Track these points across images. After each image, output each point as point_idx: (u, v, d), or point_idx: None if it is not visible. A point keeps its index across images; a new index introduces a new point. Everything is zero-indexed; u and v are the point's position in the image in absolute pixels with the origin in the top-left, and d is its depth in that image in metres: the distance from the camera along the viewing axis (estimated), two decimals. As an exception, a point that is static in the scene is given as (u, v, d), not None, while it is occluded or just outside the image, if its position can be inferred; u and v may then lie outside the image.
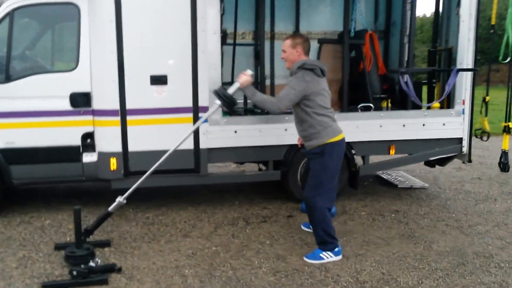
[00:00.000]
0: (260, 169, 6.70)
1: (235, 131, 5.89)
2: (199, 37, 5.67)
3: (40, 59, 6.24)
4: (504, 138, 6.41)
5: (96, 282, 4.31)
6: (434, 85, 6.77)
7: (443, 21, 6.66)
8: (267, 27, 7.02)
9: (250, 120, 5.99)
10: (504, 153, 6.48)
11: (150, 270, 4.55)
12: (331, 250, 4.77)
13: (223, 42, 6.68)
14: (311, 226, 4.97)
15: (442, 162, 6.81)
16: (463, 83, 6.29)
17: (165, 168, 5.77)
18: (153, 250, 5.01)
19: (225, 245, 5.13)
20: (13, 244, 5.15)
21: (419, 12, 63.97)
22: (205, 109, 5.76)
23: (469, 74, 6.27)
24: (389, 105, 6.66)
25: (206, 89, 5.76)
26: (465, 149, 6.48)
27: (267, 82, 6.62)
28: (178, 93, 5.75)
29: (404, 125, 6.26)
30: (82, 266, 4.42)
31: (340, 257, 4.80)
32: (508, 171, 6.62)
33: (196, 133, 5.81)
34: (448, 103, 6.53)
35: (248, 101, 6.67)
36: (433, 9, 6.77)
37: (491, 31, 6.60)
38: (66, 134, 5.79)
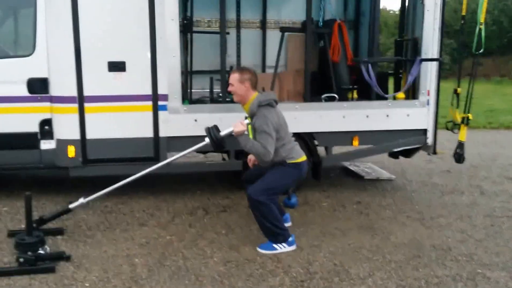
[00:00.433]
0: (223, 159, 6.65)
1: (195, 120, 5.82)
2: (157, 23, 5.60)
3: (-3, 44, 6.14)
4: (461, 129, 6.37)
5: (43, 269, 4.25)
6: (400, 75, 6.72)
7: (409, 10, 6.60)
8: (233, 15, 6.98)
9: (211, 109, 5.93)
10: (460, 144, 6.43)
11: (100, 259, 4.50)
12: (284, 241, 4.73)
13: (189, 29, 6.64)
14: (257, 221, 4.84)
15: (408, 153, 6.76)
16: (428, 73, 6.23)
17: (125, 157, 5.78)
18: (106, 238, 4.96)
19: (180, 234, 5.10)
20: (-34, 231, 5.09)
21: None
22: (164, 97, 5.71)
23: (434, 64, 6.21)
24: (355, 96, 6.60)
25: (165, 77, 5.69)
26: (429, 141, 6.43)
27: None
28: (136, 80, 5.67)
29: (367, 116, 6.22)
30: (29, 253, 4.37)
31: (294, 247, 4.77)
32: (462, 162, 6.58)
33: (156, 121, 5.75)
34: (413, 93, 6.48)
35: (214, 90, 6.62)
36: (400, -1, 6.61)
37: (462, 22, 6.58)
38: (24, 121, 5.71)
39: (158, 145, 5.83)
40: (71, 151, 5.71)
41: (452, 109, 6.43)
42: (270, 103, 4.68)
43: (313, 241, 4.97)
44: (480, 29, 5.93)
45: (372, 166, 7.95)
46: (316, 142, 6.28)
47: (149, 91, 5.71)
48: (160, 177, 6.97)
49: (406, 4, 6.72)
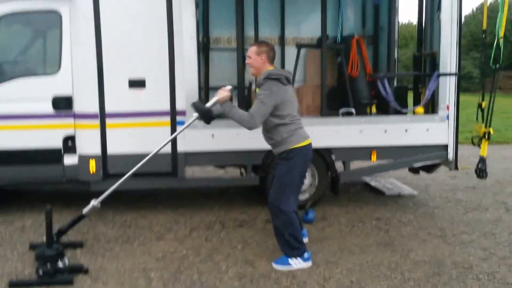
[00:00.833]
0: (241, 174, 6.69)
1: (213, 135, 5.90)
2: (175, 42, 5.75)
3: (25, 63, 6.36)
4: (482, 144, 6.25)
5: (61, 282, 4.35)
6: (420, 90, 6.68)
7: (427, 26, 6.58)
8: (251, 33, 7.09)
9: (228, 124, 5.95)
10: (482, 159, 6.32)
11: (117, 272, 4.57)
12: (299, 256, 4.70)
13: (207, 47, 6.76)
14: (276, 233, 4.84)
15: (429, 169, 6.69)
16: (447, 88, 6.18)
17: (143, 171, 5.84)
18: (124, 252, 5.03)
19: (196, 248, 5.13)
20: (-10, 243, 5.25)
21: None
22: (183, 113, 5.81)
23: (453, 79, 6.15)
24: (374, 110, 6.58)
25: (183, 93, 5.81)
26: (450, 156, 6.34)
27: (253, 86, 6.64)
28: (155, 96, 5.81)
29: (385, 131, 6.18)
30: (49, 265, 4.48)
31: (309, 263, 4.73)
32: (485, 178, 6.44)
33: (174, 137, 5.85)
34: (432, 108, 6.43)
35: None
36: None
37: (483, 36, 6.51)
38: (48, 137, 5.89)
39: (176, 160, 5.92)
40: (93, 165, 5.85)
41: (477, 123, 6.34)
42: (279, 78, 4.62)
43: (330, 257, 4.92)
44: (498, 42, 5.86)
45: (394, 182, 7.86)
46: (333, 157, 6.27)
47: (167, 107, 5.82)
48: (179, 192, 7.09)
49: (424, 19, 6.70)
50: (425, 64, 6.61)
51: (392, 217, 6.21)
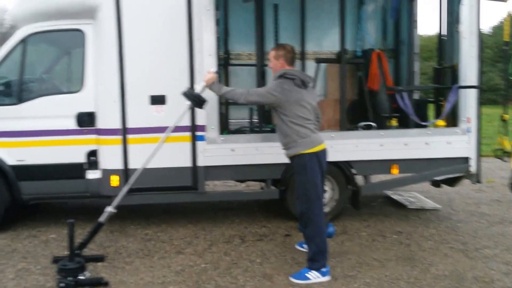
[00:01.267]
0: (262, 188, 6.72)
1: (232, 149, 5.96)
2: (195, 59, 5.86)
3: (50, 81, 6.55)
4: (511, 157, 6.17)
5: (82, 294, 4.46)
6: (441, 103, 6.62)
7: (447, 38, 6.54)
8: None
9: (247, 139, 6.06)
10: None
11: (137, 285, 4.63)
12: (318, 269, 4.70)
13: (227, 63, 6.85)
14: (307, 241, 4.89)
15: (451, 182, 6.60)
16: (468, 100, 6.12)
17: (164, 186, 5.97)
18: (144, 265, 5.10)
19: (215, 262, 5.17)
20: (15, 256, 5.38)
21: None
22: (202, 128, 5.90)
23: (473, 92, 6.10)
24: (395, 124, 6.54)
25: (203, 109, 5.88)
26: (473, 169, 6.25)
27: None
28: (176, 112, 5.82)
29: (406, 144, 6.14)
30: (70, 278, 4.57)
31: (327, 278, 4.72)
32: None
33: (193, 151, 5.94)
34: (453, 121, 6.36)
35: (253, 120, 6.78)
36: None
37: (505, 48, 6.45)
38: (72, 152, 6.03)
39: (196, 174, 5.98)
40: (115, 180, 5.96)
41: (501, 136, 6.26)
42: (293, 78, 4.66)
43: (349, 272, 4.90)
44: None
45: (417, 195, 7.77)
46: (353, 171, 6.26)
47: (187, 123, 5.90)
48: (200, 206, 7.15)
49: (444, 31, 6.67)
50: (446, 76, 6.56)
51: (414, 231, 6.14)
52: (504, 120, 6.23)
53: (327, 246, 4.81)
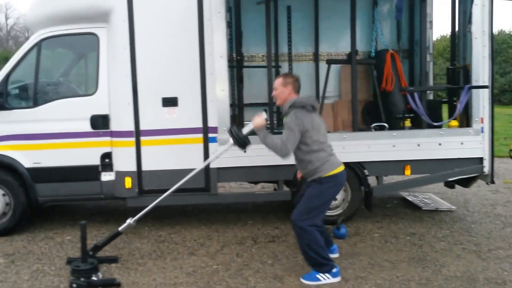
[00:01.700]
0: (275, 189, 6.73)
1: (244, 151, 5.96)
2: (207, 61, 5.91)
3: (64, 84, 6.67)
4: None
5: (94, 295, 4.52)
6: (454, 103, 6.56)
7: (460, 38, 6.49)
8: (285, 49, 7.19)
9: (259, 140, 6.04)
10: None
11: (149, 286, 4.69)
12: (328, 271, 4.70)
13: (240, 65, 6.88)
14: (302, 252, 4.84)
15: (465, 183, 6.54)
16: (480, 100, 6.07)
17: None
18: (157, 267, 5.16)
19: (227, 263, 5.20)
20: (31, 258, 5.48)
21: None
22: (214, 129, 5.94)
23: (486, 92, 6.04)
24: (409, 124, 6.49)
25: (214, 110, 5.95)
26: (486, 170, 6.19)
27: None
28: (188, 114, 5.97)
29: (419, 145, 6.11)
30: (82, 279, 4.64)
31: (338, 279, 4.72)
32: None
33: (206, 153, 5.98)
34: (466, 121, 6.31)
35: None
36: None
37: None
38: (87, 155, 6.12)
39: (209, 176, 6.03)
40: (128, 182, 6.04)
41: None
42: (304, 106, 4.70)
43: (360, 273, 4.89)
44: None
45: (432, 197, 7.70)
46: (366, 172, 6.24)
47: (199, 124, 5.97)
48: (214, 207, 7.19)
49: (456, 32, 6.62)
50: (459, 77, 6.50)
51: (427, 232, 6.10)
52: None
53: (325, 248, 4.81)
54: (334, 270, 4.73)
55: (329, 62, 6.80)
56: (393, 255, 5.38)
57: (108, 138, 6.11)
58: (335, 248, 5.34)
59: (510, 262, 5.12)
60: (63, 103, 6.16)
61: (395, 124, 6.60)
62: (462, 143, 6.15)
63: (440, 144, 6.13)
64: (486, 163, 6.20)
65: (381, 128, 6.39)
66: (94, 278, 4.70)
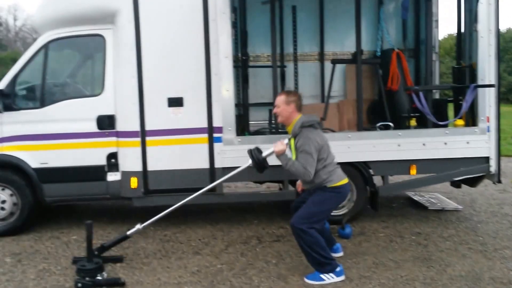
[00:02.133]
0: (280, 189, 6.74)
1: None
2: (212, 61, 5.94)
3: (71, 85, 6.72)
4: None
5: (99, 294, 4.56)
6: (460, 102, 6.52)
7: (465, 37, 6.46)
8: (291, 50, 7.19)
9: (264, 140, 6.07)
10: None
11: (153, 286, 4.72)
12: (332, 271, 4.71)
13: (245, 65, 6.90)
14: (304, 253, 4.85)
15: (472, 182, 6.50)
16: (486, 99, 6.04)
17: (182, 187, 6.04)
18: (161, 266, 5.19)
19: (231, 263, 5.22)
20: (37, 257, 5.53)
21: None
22: (219, 129, 5.97)
23: (492, 91, 6.01)
24: (414, 124, 6.47)
25: (219, 110, 5.98)
26: (493, 169, 6.15)
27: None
28: (193, 114, 6.00)
29: (424, 144, 6.09)
30: (87, 279, 4.69)
31: (342, 278, 4.72)
32: None
33: (211, 153, 6.02)
34: (472, 121, 6.28)
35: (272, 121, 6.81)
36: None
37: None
38: (93, 155, 6.16)
39: (214, 176, 6.05)
40: (134, 182, 6.08)
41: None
42: (312, 125, 4.76)
43: (364, 272, 4.89)
44: None
45: (439, 196, 7.67)
46: (371, 171, 6.23)
47: (205, 124, 6.00)
48: (218, 207, 7.21)
49: (462, 31, 6.59)
50: (465, 75, 6.47)
51: (433, 231, 6.08)
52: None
53: (326, 248, 4.80)
54: (338, 269, 4.74)
55: (334, 61, 6.81)
56: (398, 254, 5.37)
57: (114, 139, 6.16)
58: (339, 247, 5.35)
59: (516, 261, 5.10)
60: (69, 103, 6.21)
61: (400, 124, 6.59)
62: (468, 142, 6.13)
63: (445, 143, 6.11)
64: (493, 162, 6.16)
65: (386, 127, 6.38)
66: (99, 277, 4.76)
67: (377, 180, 6.51)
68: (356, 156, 6.08)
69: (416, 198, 7.60)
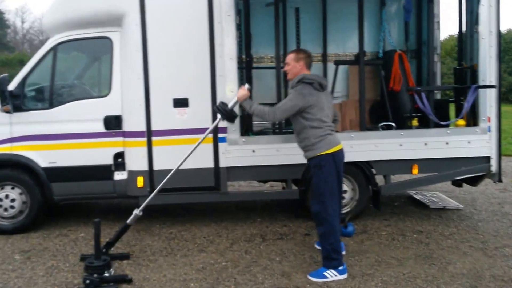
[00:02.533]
0: (283, 188, 6.84)
1: (253, 151, 6.10)
2: (217, 63, 6.04)
3: (79, 86, 6.86)
4: None
5: (106, 290, 4.67)
6: (462, 102, 6.61)
7: (467, 38, 6.55)
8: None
9: (268, 140, 6.19)
10: None
11: (159, 282, 4.83)
12: (335, 268, 4.80)
13: (249, 66, 7.01)
14: (321, 240, 4.96)
15: (473, 182, 6.59)
16: (487, 100, 6.12)
17: (188, 186, 6.15)
18: (167, 263, 5.30)
19: (236, 260, 5.33)
20: (46, 254, 5.64)
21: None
22: (224, 129, 6.07)
23: (493, 91, 6.09)
24: (416, 124, 6.56)
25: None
26: (494, 168, 6.25)
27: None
28: (198, 114, 6.10)
29: (426, 144, 6.18)
30: (95, 275, 4.80)
31: (345, 276, 4.81)
32: None
33: (216, 152, 6.12)
34: (474, 121, 6.36)
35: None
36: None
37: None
38: (100, 154, 6.28)
39: (218, 175, 6.16)
40: (140, 181, 6.19)
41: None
42: (311, 83, 4.78)
43: (367, 270, 4.99)
44: None
45: (440, 195, 7.76)
46: (374, 171, 6.32)
47: (209, 125, 6.03)
48: (222, 205, 7.33)
49: (463, 32, 6.68)
50: (466, 76, 6.56)
51: (434, 230, 6.17)
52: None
53: (340, 243, 4.91)
54: (341, 267, 4.83)
55: (337, 63, 6.91)
56: (400, 252, 5.46)
57: (120, 138, 6.27)
58: (342, 246, 5.40)
59: (517, 259, 5.19)
60: (77, 104, 6.33)
61: (401, 124, 6.68)
62: (469, 142, 6.22)
63: (447, 143, 6.20)
64: (494, 162, 6.25)
65: (389, 127, 6.48)
66: (106, 274, 4.88)
67: (379, 179, 6.62)
68: (359, 155, 6.17)
69: (417, 197, 7.69)
